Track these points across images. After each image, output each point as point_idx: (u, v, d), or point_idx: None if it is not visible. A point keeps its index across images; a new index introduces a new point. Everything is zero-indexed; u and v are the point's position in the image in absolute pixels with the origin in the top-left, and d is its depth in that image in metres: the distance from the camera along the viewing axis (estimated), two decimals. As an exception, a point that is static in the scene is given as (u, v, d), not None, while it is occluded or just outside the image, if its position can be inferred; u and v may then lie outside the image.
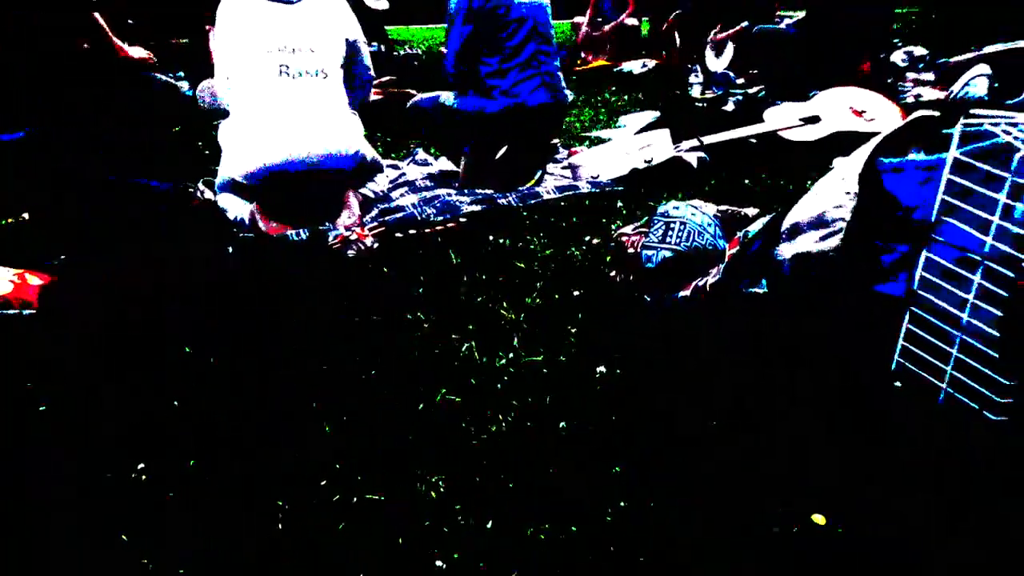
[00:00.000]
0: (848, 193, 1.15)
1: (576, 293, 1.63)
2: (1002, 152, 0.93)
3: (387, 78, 4.15)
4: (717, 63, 4.76)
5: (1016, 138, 0.92)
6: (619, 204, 2.30)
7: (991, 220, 0.93)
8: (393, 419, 1.18)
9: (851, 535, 0.90)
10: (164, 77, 3.94)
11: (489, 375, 1.30)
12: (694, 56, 4.87)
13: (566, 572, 0.87)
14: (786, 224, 1.25)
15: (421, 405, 1.21)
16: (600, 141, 3.29)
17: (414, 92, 3.58)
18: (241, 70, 2.02)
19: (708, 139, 2.77)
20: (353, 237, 1.95)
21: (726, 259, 1.39)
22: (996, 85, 3.25)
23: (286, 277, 1.77)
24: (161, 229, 2.04)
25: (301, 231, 2.03)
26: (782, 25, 4.47)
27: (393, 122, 3.68)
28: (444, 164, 2.93)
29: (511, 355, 1.36)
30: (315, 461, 1.07)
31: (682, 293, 1.44)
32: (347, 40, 2.19)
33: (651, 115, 3.70)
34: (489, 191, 2.42)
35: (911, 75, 4.13)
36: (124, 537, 0.94)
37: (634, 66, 5.56)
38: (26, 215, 2.17)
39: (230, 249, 1.92)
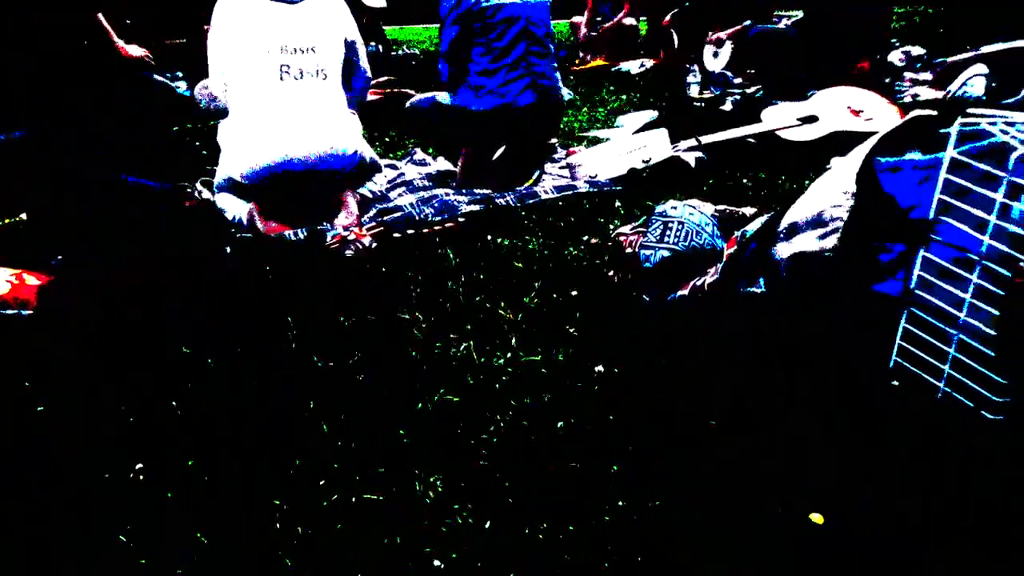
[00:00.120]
0: (845, 193, 1.15)
1: (574, 293, 1.63)
2: (999, 151, 0.93)
3: (385, 78, 4.15)
4: (715, 63, 4.76)
5: (1013, 137, 0.93)
6: (617, 204, 2.30)
7: (988, 219, 0.93)
8: (391, 419, 1.18)
9: (850, 535, 0.90)
10: (160, 77, 3.94)
11: (487, 375, 1.30)
12: (692, 56, 4.87)
13: (564, 572, 0.87)
14: (784, 224, 1.25)
15: (419, 405, 1.21)
16: (598, 141, 3.29)
17: (412, 92, 3.58)
18: (240, 70, 2.01)
19: (706, 139, 2.77)
20: (351, 237, 1.95)
21: (724, 259, 1.39)
22: (993, 85, 3.25)
23: (284, 277, 1.77)
24: (159, 229, 2.04)
25: (299, 231, 2.03)
26: (780, 25, 4.47)
27: (391, 122, 3.69)
28: (442, 164, 2.93)
29: (509, 355, 1.36)
30: (313, 461, 1.07)
31: (680, 293, 1.44)
32: (346, 40, 2.19)
33: (649, 115, 3.70)
34: (487, 191, 2.42)
35: (909, 75, 4.13)
36: (122, 537, 0.94)
37: (632, 66, 5.57)
38: (24, 215, 2.17)
39: (228, 249, 1.92)
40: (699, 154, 2.71)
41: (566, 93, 3.56)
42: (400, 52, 6.08)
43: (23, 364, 1.37)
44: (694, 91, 4.40)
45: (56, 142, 2.73)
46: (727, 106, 3.72)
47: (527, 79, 2.45)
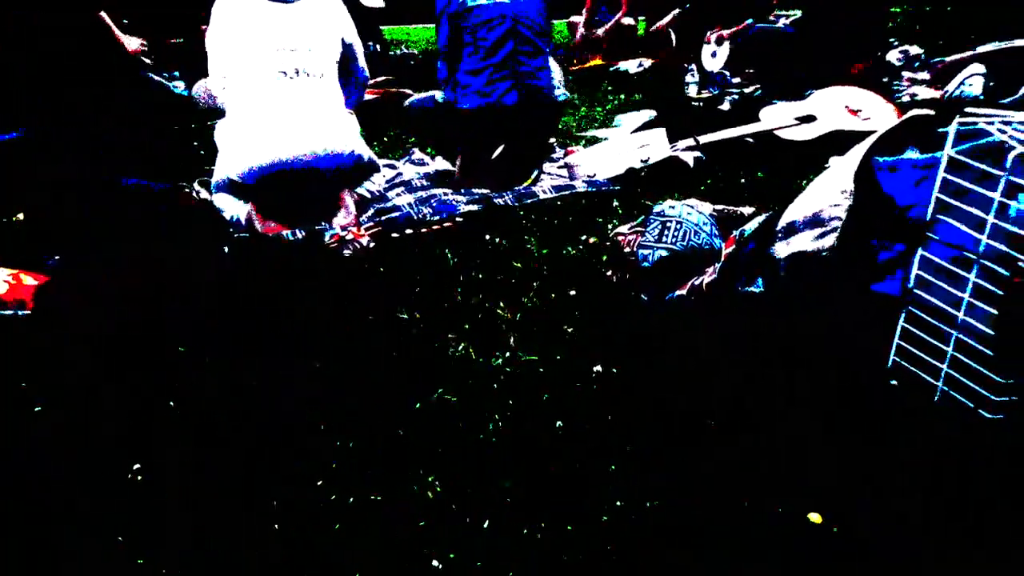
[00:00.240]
0: (844, 192, 1.15)
1: (572, 292, 1.63)
2: (997, 151, 0.93)
3: (383, 78, 4.15)
4: (713, 62, 4.76)
5: (1011, 137, 0.93)
6: (615, 203, 2.30)
7: (986, 219, 0.93)
8: (390, 419, 1.18)
9: (850, 534, 0.90)
10: (156, 77, 3.94)
11: (486, 374, 1.30)
12: (690, 56, 4.88)
13: (563, 572, 0.87)
14: (782, 223, 1.25)
15: (418, 404, 1.21)
16: (596, 141, 3.29)
17: (410, 92, 3.58)
18: (238, 69, 2.01)
19: (704, 138, 2.77)
20: (349, 237, 1.95)
21: (722, 258, 1.39)
22: (991, 84, 3.26)
23: (282, 277, 1.76)
24: (157, 229, 2.03)
25: (297, 231, 2.03)
26: (779, 24, 4.48)
27: (389, 122, 3.69)
28: (440, 164, 2.93)
29: (507, 354, 1.36)
30: (312, 461, 1.07)
31: (678, 292, 1.44)
32: (343, 40, 2.19)
33: (647, 114, 3.70)
34: (485, 191, 2.42)
35: (907, 74, 4.13)
36: (120, 537, 0.94)
37: (630, 65, 5.56)
38: (21, 215, 2.16)
39: (226, 249, 1.92)
40: (697, 154, 2.71)
41: (566, 93, 3.55)
42: (398, 52, 6.08)
43: (20, 364, 1.37)
44: (692, 91, 4.40)
45: (55, 142, 2.73)
46: (725, 106, 3.72)
47: (512, 80, 2.44)
